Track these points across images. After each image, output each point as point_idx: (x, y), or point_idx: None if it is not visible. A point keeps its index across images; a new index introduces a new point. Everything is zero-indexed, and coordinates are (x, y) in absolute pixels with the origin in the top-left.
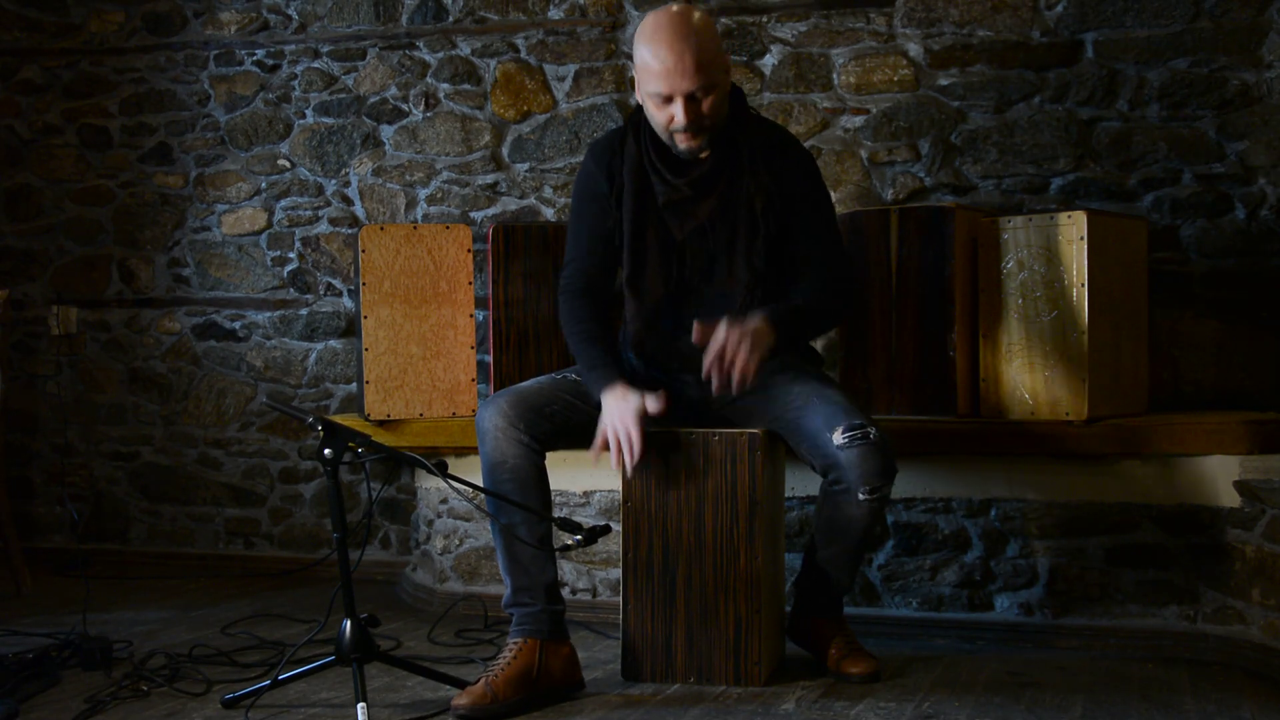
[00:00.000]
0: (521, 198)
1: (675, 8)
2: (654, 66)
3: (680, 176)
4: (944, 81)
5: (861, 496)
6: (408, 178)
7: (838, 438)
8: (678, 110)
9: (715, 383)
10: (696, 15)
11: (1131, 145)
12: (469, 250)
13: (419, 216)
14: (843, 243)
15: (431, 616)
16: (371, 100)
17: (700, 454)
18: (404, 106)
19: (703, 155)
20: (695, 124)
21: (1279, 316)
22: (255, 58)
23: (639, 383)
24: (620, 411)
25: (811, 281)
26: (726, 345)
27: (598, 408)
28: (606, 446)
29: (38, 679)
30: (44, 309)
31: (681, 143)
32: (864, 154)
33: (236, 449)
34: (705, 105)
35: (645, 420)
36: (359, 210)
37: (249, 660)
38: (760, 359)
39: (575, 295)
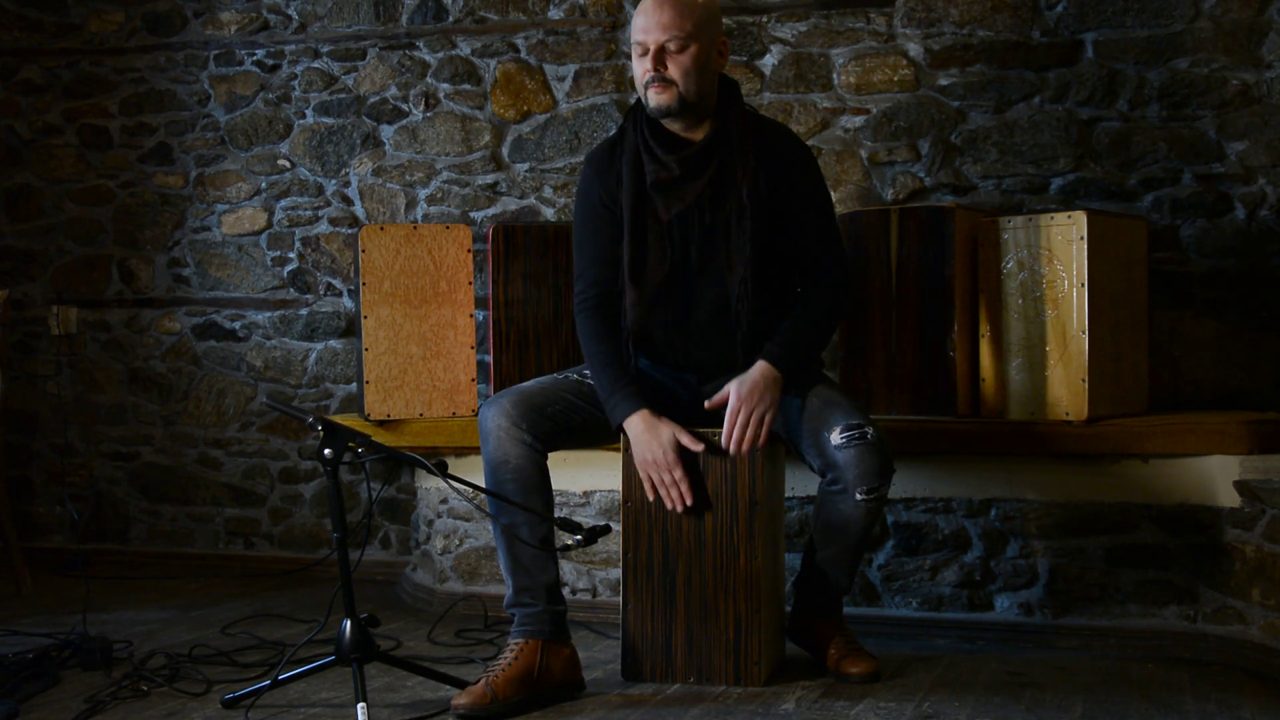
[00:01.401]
0: (521, 198)
1: None
2: (636, 20)
3: (670, 154)
4: (944, 81)
5: (859, 497)
6: (408, 178)
7: (835, 438)
8: (648, 60)
9: (732, 450)
10: None
11: (1131, 145)
12: (469, 250)
13: (419, 216)
14: (841, 239)
15: (431, 616)
16: (371, 100)
17: (700, 454)
18: (404, 106)
19: (694, 135)
20: (661, 76)
21: (1279, 316)
22: (255, 58)
23: (646, 387)
24: (651, 449)
25: (807, 290)
26: (739, 414)
27: (619, 433)
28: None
29: (38, 679)
30: (44, 309)
31: (652, 99)
32: (864, 154)
33: (236, 449)
34: (675, 60)
35: (680, 451)
36: (359, 210)
37: (249, 660)
38: (772, 412)
39: (591, 311)
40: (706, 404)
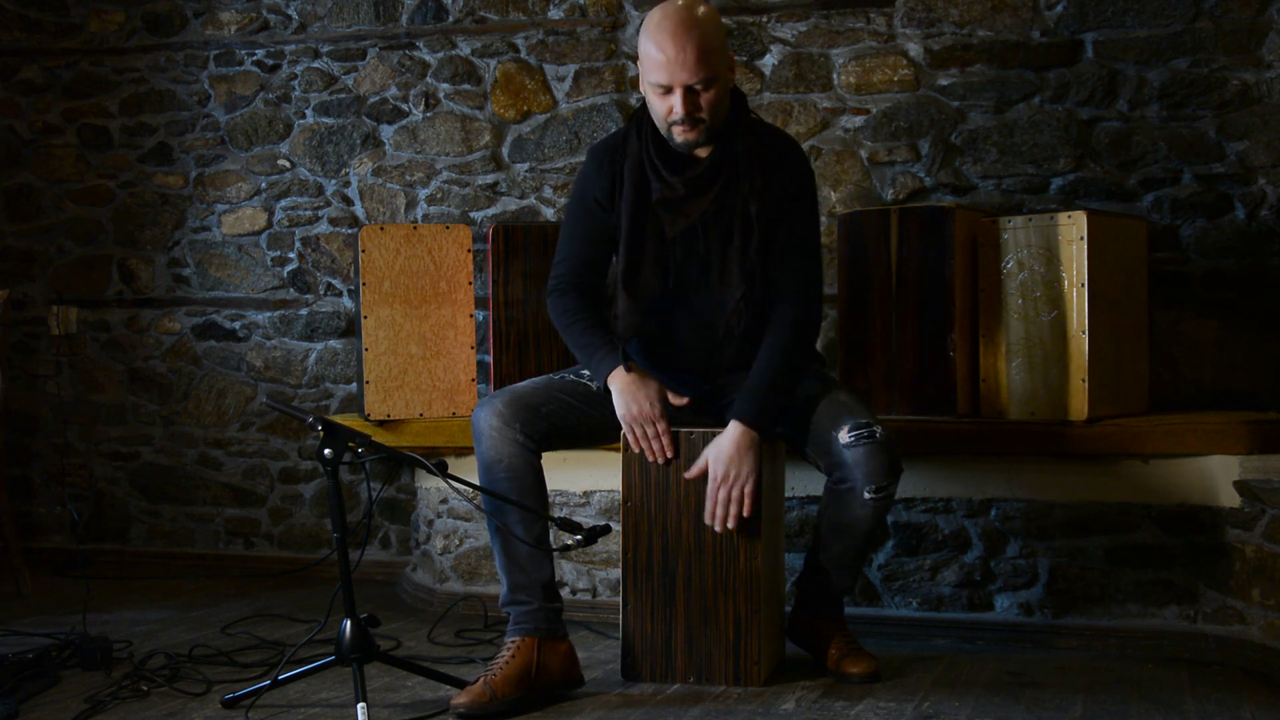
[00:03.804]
0: (521, 198)
1: (682, 0)
2: (657, 57)
3: (676, 175)
4: (944, 81)
5: (867, 496)
6: (408, 178)
7: (843, 436)
8: (676, 102)
9: (718, 529)
10: (702, 9)
11: (1131, 145)
12: (469, 250)
13: (419, 216)
14: (820, 258)
15: (431, 616)
16: (371, 100)
17: (700, 454)
18: (404, 106)
19: (700, 153)
20: (692, 116)
21: (1279, 316)
22: (255, 58)
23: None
24: (638, 401)
25: (778, 317)
26: (719, 489)
27: (605, 393)
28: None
29: (38, 679)
30: (44, 309)
31: (679, 135)
32: (864, 154)
33: (236, 449)
34: (704, 99)
35: (667, 406)
36: (359, 210)
37: (249, 660)
38: (753, 480)
39: (563, 292)
40: (685, 475)
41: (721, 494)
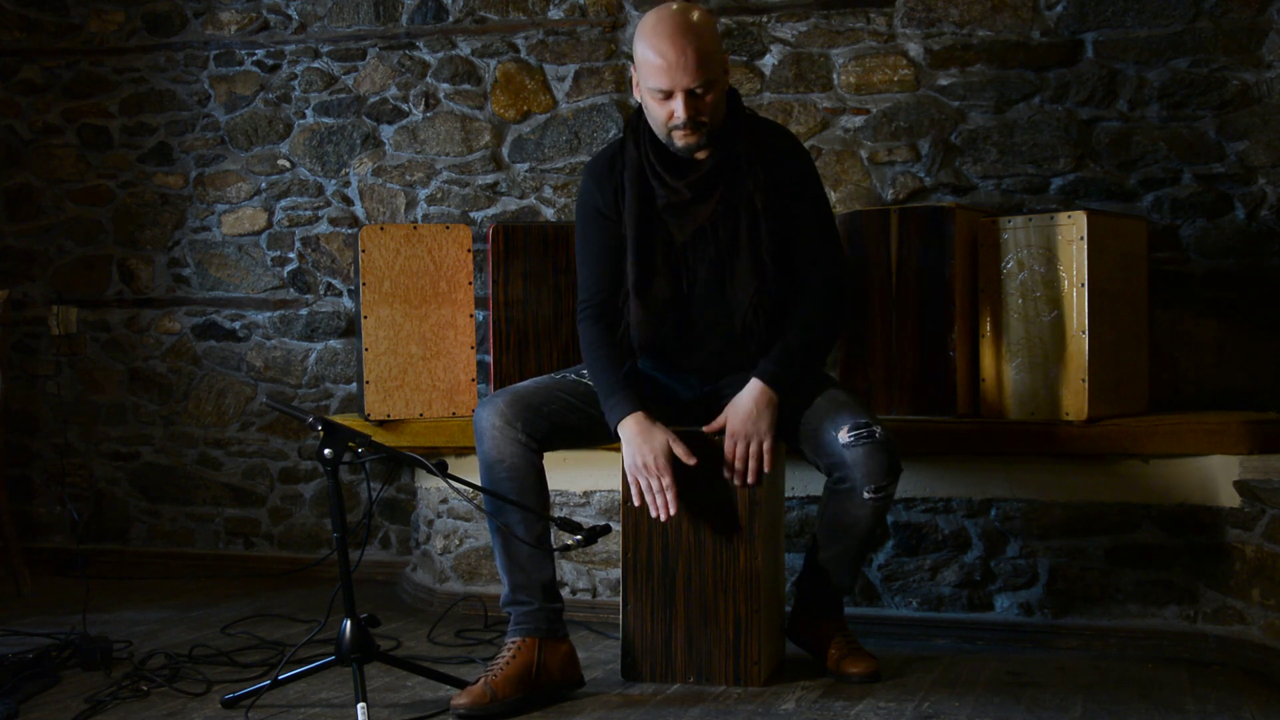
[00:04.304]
0: (521, 198)
1: (676, 5)
2: (656, 62)
3: (679, 179)
4: (944, 81)
5: (866, 495)
6: (408, 178)
7: (843, 436)
8: (678, 106)
9: (737, 484)
10: (697, 13)
11: (1131, 145)
12: (469, 250)
13: (419, 216)
14: (839, 240)
15: (431, 616)
16: (371, 100)
17: (700, 454)
18: (404, 106)
19: (700, 155)
20: (694, 120)
21: (1279, 316)
22: (255, 58)
23: (646, 387)
24: (643, 453)
25: (805, 299)
26: (736, 445)
27: (615, 436)
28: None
29: (38, 679)
30: (44, 309)
31: (679, 140)
32: (864, 154)
33: (236, 449)
34: (705, 102)
35: (673, 460)
36: (359, 210)
37: (249, 660)
38: (771, 438)
39: (592, 321)
40: (704, 428)
41: (739, 450)
